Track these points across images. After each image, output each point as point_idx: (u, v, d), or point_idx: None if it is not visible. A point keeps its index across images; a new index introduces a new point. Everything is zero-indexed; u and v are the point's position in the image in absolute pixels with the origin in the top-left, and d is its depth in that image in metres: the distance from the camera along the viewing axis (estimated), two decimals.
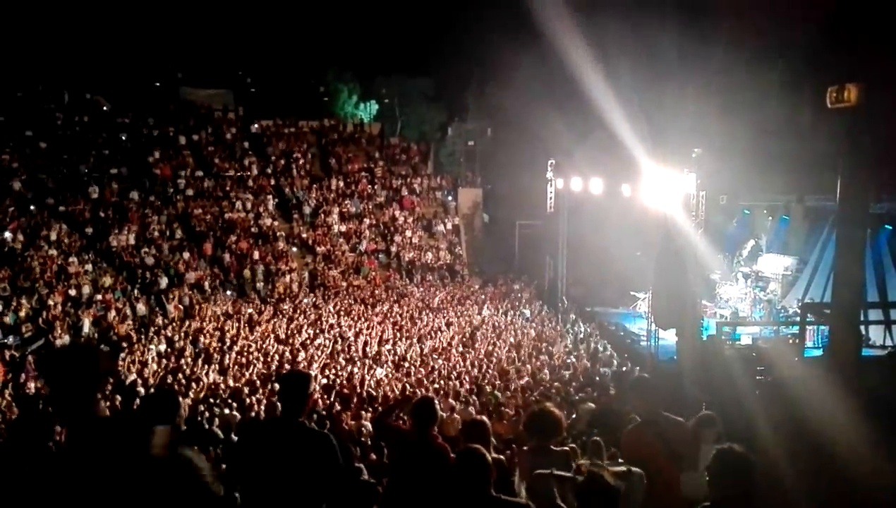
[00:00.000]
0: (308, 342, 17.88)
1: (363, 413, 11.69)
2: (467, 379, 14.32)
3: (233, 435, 9.66)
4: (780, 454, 5.08)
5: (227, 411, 11.90)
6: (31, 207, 25.22)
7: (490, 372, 14.97)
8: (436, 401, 4.82)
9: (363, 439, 9.83)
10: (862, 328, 11.43)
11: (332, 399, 12.60)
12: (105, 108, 34.49)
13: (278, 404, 4.55)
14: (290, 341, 17.91)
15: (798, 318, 14.57)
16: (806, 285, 18.05)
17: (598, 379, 14.27)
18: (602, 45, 20.45)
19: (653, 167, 16.48)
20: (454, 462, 3.69)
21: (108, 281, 22.14)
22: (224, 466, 6.06)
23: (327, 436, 3.92)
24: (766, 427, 5.62)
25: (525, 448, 4.93)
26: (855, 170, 8.53)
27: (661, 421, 5.04)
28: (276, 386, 13.45)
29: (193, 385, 14.12)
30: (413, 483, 4.44)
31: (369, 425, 10.70)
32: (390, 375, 14.94)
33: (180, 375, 15.02)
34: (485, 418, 5.03)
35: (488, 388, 13.27)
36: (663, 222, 15.54)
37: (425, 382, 13.96)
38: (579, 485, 3.61)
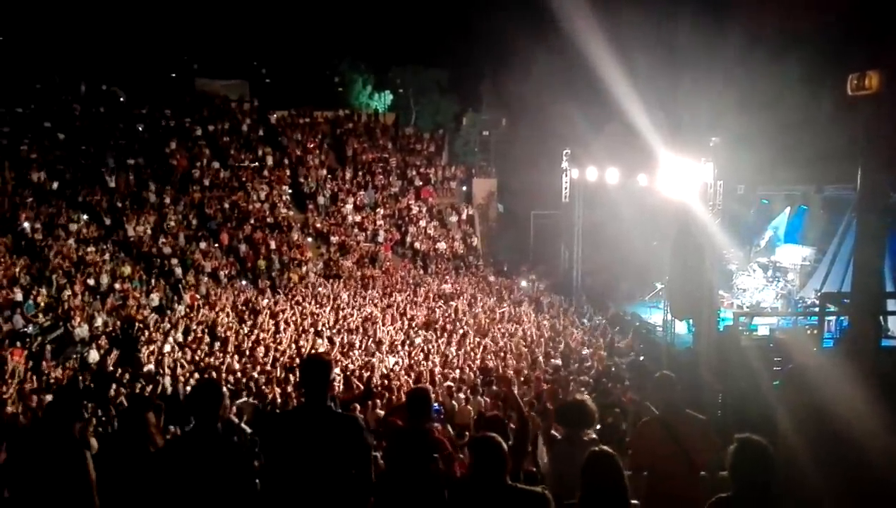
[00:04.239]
0: (322, 331, 17.96)
1: (376, 402, 11.73)
2: (482, 369, 14.33)
3: (243, 424, 9.72)
4: (799, 444, 5.06)
5: (243, 398, 12.00)
6: (50, 198, 25.47)
7: (504, 362, 14.96)
8: (430, 392, 4.69)
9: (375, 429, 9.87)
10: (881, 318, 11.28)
11: (350, 389, 12.66)
12: (122, 100, 34.71)
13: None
14: (305, 330, 17.99)
15: (816, 309, 14.44)
16: (824, 275, 17.86)
17: (613, 369, 14.23)
18: (619, 34, 20.29)
19: (669, 156, 16.36)
20: (470, 450, 3.64)
21: (126, 270, 22.32)
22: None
23: (356, 419, 3.91)
24: (785, 417, 5.59)
25: (558, 435, 4.87)
26: (875, 159, 8.42)
27: (677, 418, 4.92)
28: (294, 374, 13.58)
29: (213, 373, 14.24)
30: (408, 474, 4.34)
31: (381, 412, 10.75)
32: (402, 363, 14.95)
33: (200, 364, 15.16)
34: (498, 413, 4.94)
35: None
36: (680, 212, 15.44)
37: (439, 371, 13.98)
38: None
